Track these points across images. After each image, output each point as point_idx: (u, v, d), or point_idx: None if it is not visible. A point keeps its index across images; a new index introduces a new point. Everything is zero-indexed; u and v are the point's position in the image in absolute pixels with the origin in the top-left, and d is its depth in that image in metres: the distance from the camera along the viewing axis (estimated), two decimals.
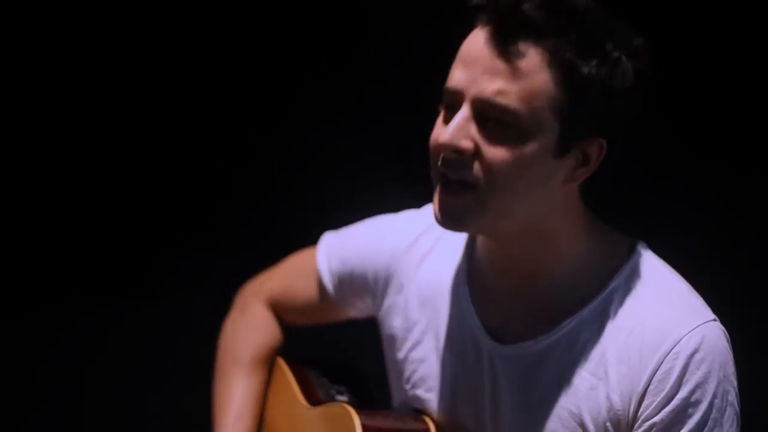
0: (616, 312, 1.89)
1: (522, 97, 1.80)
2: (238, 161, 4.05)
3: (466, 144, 1.82)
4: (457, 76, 1.83)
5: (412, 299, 2.07)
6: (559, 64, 1.80)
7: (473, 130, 1.82)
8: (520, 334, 1.94)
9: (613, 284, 1.90)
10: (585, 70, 1.81)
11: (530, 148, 1.83)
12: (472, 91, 1.81)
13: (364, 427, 1.98)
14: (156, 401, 3.66)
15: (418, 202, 2.18)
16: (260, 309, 2.30)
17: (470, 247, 2.03)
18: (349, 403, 2.13)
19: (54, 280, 3.95)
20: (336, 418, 2.04)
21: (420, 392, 2.06)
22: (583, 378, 1.90)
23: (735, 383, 1.86)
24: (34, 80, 3.99)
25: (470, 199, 1.84)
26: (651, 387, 1.85)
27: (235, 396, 2.23)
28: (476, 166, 1.83)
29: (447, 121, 1.84)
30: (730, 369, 1.86)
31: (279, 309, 2.30)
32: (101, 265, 4.01)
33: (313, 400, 2.18)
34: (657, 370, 1.84)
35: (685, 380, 1.83)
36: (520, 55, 1.80)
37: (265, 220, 3.95)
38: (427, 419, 2.03)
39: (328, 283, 2.20)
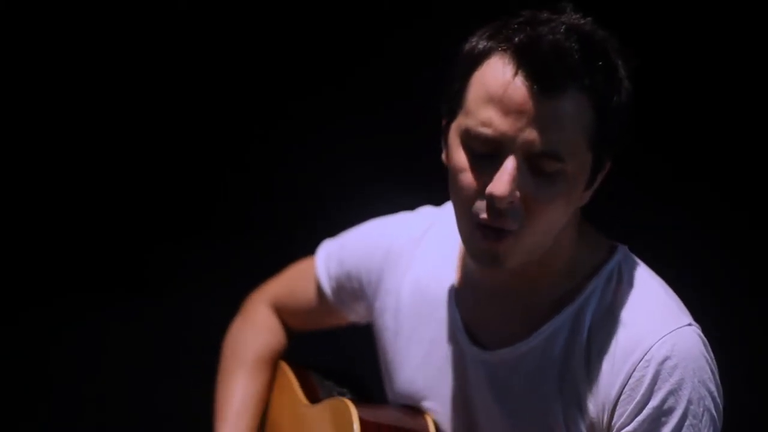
0: (591, 318, 1.89)
1: (570, 145, 1.80)
2: (239, 161, 4.05)
3: (519, 195, 1.80)
4: (499, 124, 1.79)
5: (400, 303, 2.08)
6: (596, 104, 1.80)
7: (521, 179, 1.79)
8: (500, 340, 1.95)
9: (589, 288, 1.90)
10: (614, 102, 1.82)
11: (574, 191, 1.84)
12: (520, 143, 1.78)
13: (361, 420, 1.99)
14: (157, 401, 3.66)
15: (418, 204, 2.20)
16: (264, 312, 2.33)
17: (462, 257, 2.03)
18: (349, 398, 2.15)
19: (54, 280, 3.95)
20: (335, 411, 2.06)
21: (406, 396, 2.08)
22: (558, 385, 1.89)
23: (713, 388, 1.84)
24: (34, 80, 3.99)
25: (511, 241, 1.82)
26: (623, 395, 1.84)
27: (236, 394, 2.25)
28: (521, 213, 1.81)
29: (478, 167, 1.82)
30: (707, 374, 1.84)
31: (282, 313, 2.33)
32: (102, 265, 4.01)
33: (315, 399, 2.19)
34: (629, 378, 1.84)
35: (656, 388, 1.82)
36: (566, 102, 1.78)
37: (266, 220, 3.95)
38: (427, 416, 2.04)
39: (327, 287, 2.23)
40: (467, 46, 1.86)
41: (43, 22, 3.94)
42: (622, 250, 1.95)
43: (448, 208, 2.10)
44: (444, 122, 1.91)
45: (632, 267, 1.93)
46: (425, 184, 2.22)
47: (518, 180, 1.78)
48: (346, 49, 3.94)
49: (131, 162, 4.06)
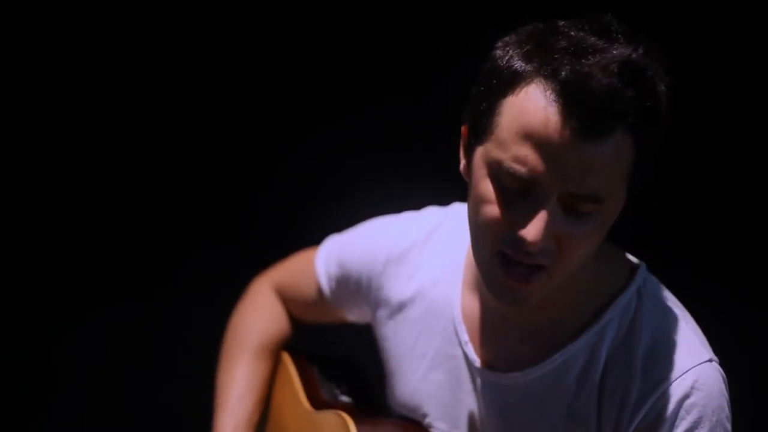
0: (608, 348, 1.81)
1: (609, 186, 1.68)
2: (240, 162, 4.05)
3: (553, 238, 1.69)
4: (536, 164, 1.65)
5: (402, 313, 2.02)
6: (639, 141, 1.68)
7: (555, 221, 1.68)
8: (510, 363, 1.87)
9: (607, 316, 1.82)
10: (655, 137, 1.70)
11: (608, 225, 1.73)
12: (559, 186, 1.65)
13: None
14: (157, 401, 3.66)
15: (421, 202, 2.16)
16: (270, 297, 2.28)
17: (468, 267, 1.95)
18: (350, 407, 2.13)
19: (55, 280, 3.95)
20: (333, 426, 2.02)
21: (407, 408, 2.03)
22: (566, 413, 1.83)
23: (729, 428, 1.77)
24: (34, 80, 3.99)
25: (542, 281, 1.72)
26: (638, 430, 1.77)
27: (238, 377, 2.20)
28: (552, 250, 1.70)
29: (507, 201, 1.68)
30: (724, 414, 1.77)
31: (285, 301, 2.29)
32: (102, 265, 4.01)
33: (316, 400, 2.17)
34: (647, 413, 1.77)
35: (675, 425, 1.75)
36: (611, 145, 1.65)
37: (267, 221, 3.95)
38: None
39: (325, 287, 2.19)
40: (499, 60, 1.70)
41: (43, 22, 3.94)
42: (642, 272, 1.85)
43: (455, 208, 2.05)
44: (466, 133, 1.77)
45: (653, 293, 1.84)
46: (429, 183, 2.19)
47: (552, 224, 1.67)
48: (345, 49, 3.95)
49: (131, 162, 4.06)
